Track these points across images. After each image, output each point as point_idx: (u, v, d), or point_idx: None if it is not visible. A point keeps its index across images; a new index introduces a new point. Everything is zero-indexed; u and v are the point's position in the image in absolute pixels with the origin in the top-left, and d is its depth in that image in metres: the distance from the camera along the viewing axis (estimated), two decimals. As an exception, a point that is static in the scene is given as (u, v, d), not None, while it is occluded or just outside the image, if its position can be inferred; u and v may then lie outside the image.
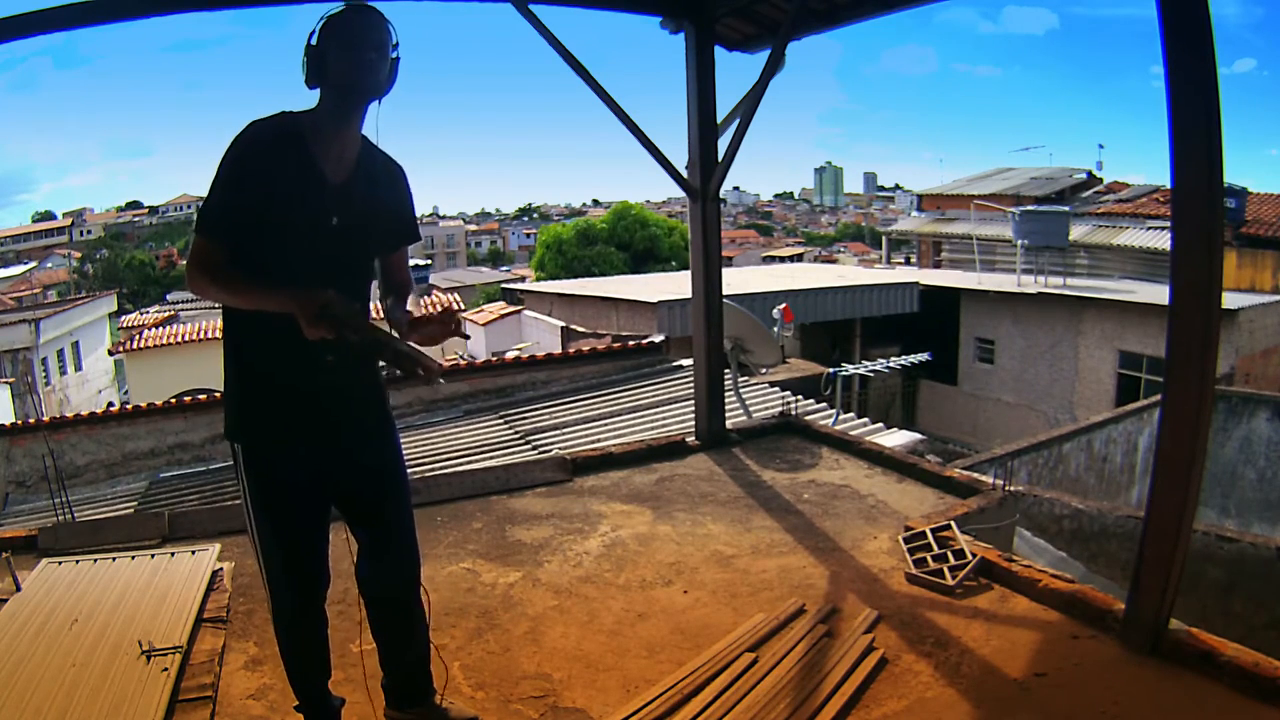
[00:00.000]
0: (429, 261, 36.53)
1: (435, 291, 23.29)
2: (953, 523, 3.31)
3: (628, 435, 6.36)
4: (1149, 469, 3.03)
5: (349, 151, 1.89)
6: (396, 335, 1.85)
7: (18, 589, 2.98)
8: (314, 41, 1.81)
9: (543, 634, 2.77)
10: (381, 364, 1.91)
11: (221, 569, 3.17)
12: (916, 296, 15.40)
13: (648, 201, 53.21)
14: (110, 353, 21.29)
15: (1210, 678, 2.27)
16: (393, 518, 2.09)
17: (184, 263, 1.93)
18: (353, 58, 1.80)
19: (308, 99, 1.87)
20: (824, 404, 7.61)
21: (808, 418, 5.58)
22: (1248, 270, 15.53)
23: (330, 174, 1.87)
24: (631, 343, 9.06)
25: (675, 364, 8.76)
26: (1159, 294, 12.34)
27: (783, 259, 45.73)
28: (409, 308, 2.00)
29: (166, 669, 2.40)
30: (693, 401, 5.09)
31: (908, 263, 24.25)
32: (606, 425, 6.93)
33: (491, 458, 6.14)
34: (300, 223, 1.83)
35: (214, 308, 23.18)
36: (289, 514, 1.97)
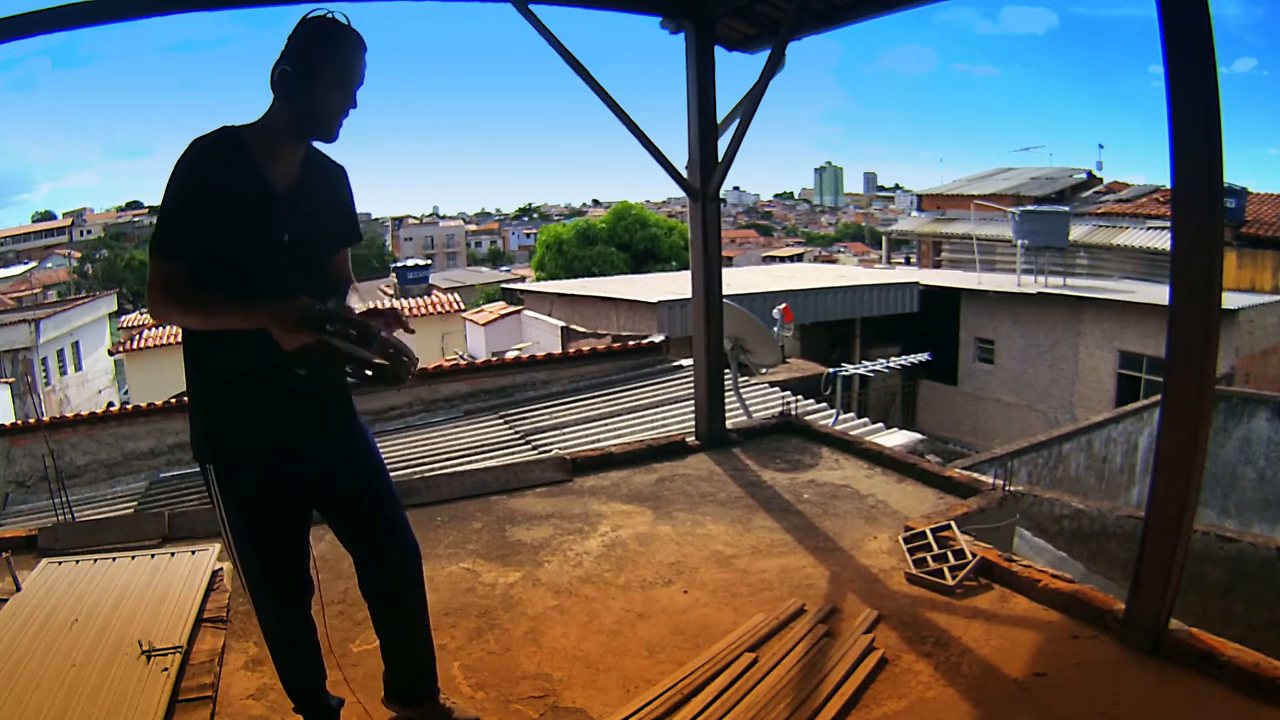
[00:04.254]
0: (429, 261, 36.51)
1: (435, 291, 23.31)
2: (953, 523, 3.31)
3: (628, 435, 6.36)
4: (1149, 469, 3.02)
5: (295, 159, 1.87)
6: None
7: (18, 589, 2.98)
8: (305, 55, 1.75)
9: (543, 634, 2.77)
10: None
11: (221, 569, 3.17)
12: (916, 296, 15.39)
13: (648, 201, 53.21)
14: (110, 353, 21.32)
15: (1210, 678, 2.27)
16: (389, 513, 2.08)
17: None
18: (341, 102, 1.80)
19: None
20: (824, 404, 7.61)
21: (808, 418, 5.58)
22: (1248, 270, 15.53)
23: (277, 183, 1.83)
24: (631, 343, 9.06)
25: (675, 364, 8.76)
26: (1159, 294, 12.34)
27: (783, 259, 45.70)
28: (350, 304, 2.00)
29: (166, 669, 2.40)
30: (693, 401, 5.09)
31: (908, 263, 24.24)
32: (606, 425, 6.93)
33: (491, 458, 6.13)
34: (253, 236, 1.80)
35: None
36: (271, 529, 1.94)
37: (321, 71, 1.76)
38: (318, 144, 1.91)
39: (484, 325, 16.89)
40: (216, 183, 1.73)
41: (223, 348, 1.82)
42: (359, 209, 2.14)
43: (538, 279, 26.47)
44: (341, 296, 2.01)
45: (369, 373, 1.76)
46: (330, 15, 1.79)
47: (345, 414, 2.05)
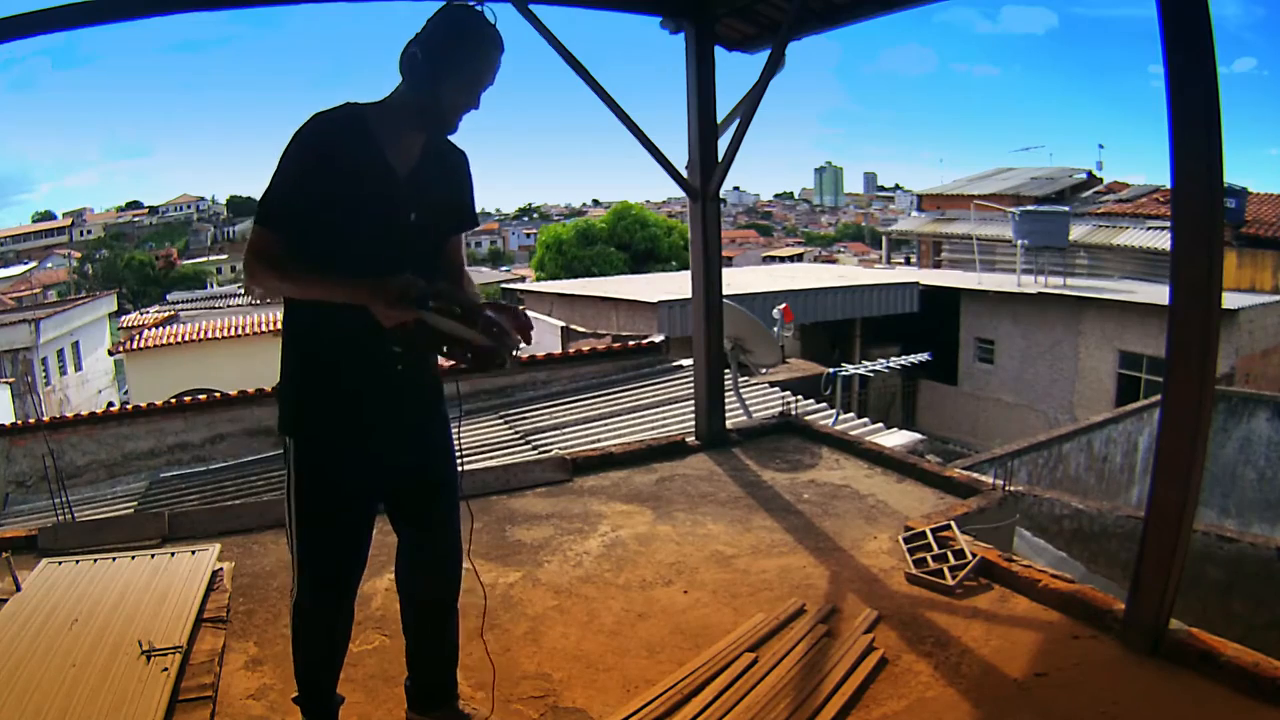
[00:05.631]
0: (429, 261, 36.42)
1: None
2: (953, 523, 3.31)
3: (628, 435, 6.36)
4: (1149, 469, 3.02)
5: (417, 142, 1.85)
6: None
7: (18, 589, 2.98)
8: (438, 49, 1.72)
9: (543, 634, 2.77)
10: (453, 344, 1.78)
11: (221, 569, 3.16)
12: (916, 296, 15.40)
13: (648, 201, 53.20)
14: (110, 353, 21.30)
15: (1210, 678, 2.27)
16: (443, 516, 2.07)
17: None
18: (466, 101, 1.77)
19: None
20: (824, 404, 7.60)
21: (808, 418, 5.58)
22: (1248, 270, 15.54)
23: (398, 165, 1.82)
24: (631, 343, 9.05)
25: (675, 364, 8.76)
26: (1159, 294, 12.34)
27: (783, 259, 45.77)
28: (466, 288, 2.00)
29: (166, 669, 2.40)
30: (693, 401, 5.09)
31: (908, 263, 24.24)
32: (606, 425, 6.92)
33: (491, 458, 6.13)
34: (372, 216, 1.78)
35: (214, 307, 23.19)
36: (338, 513, 1.92)
37: (450, 71, 1.72)
38: None
39: (484, 325, 16.86)
40: (331, 157, 1.71)
41: (321, 323, 1.81)
42: None
43: (538, 279, 26.49)
44: (455, 281, 1.98)
45: (469, 355, 1.73)
46: (477, 9, 1.74)
47: (429, 403, 2.03)
